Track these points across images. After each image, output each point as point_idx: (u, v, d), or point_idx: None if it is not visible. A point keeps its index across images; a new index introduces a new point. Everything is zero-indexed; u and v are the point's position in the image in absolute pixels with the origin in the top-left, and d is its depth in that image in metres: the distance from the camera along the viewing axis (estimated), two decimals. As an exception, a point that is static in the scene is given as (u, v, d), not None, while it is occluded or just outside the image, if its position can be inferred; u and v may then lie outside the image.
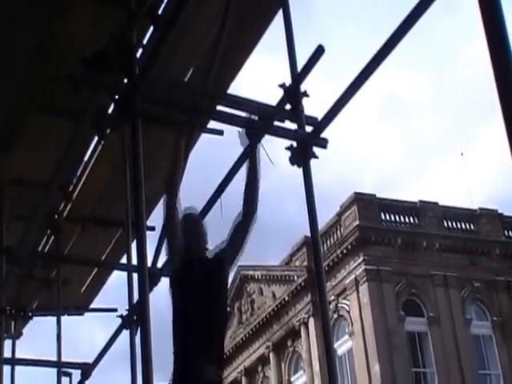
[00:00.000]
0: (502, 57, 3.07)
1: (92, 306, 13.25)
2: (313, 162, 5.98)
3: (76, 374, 11.26)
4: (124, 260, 10.17)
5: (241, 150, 6.28)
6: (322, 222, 32.17)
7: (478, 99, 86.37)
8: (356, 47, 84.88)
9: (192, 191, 7.49)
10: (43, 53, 7.72)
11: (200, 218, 5.89)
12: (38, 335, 16.02)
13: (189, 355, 5.18)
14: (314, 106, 6.32)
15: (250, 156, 5.76)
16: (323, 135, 6.07)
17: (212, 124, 8.13)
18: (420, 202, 36.33)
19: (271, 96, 6.28)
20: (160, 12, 7.43)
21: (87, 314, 13.41)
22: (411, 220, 35.89)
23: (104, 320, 11.84)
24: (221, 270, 5.58)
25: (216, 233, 5.89)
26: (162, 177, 8.53)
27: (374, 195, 35.36)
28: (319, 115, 6.09)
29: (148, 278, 5.51)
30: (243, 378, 42.12)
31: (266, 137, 6.18)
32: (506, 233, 37.44)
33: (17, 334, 12.90)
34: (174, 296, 5.47)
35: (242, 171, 6.33)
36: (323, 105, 5.90)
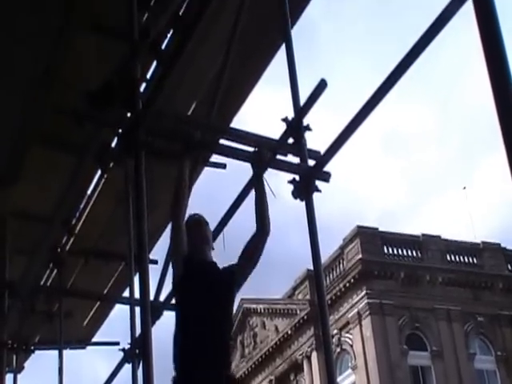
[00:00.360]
0: (502, 83, 3.09)
1: (94, 339, 13.22)
2: (315, 195, 6.00)
3: (78, 408, 11.20)
4: (126, 293, 10.16)
5: (243, 183, 6.30)
6: (325, 255, 32.10)
7: (481, 131, 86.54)
8: (359, 80, 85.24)
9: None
10: (47, 84, 7.76)
11: (205, 219, 5.78)
12: (39, 369, 15.97)
13: (192, 361, 5.06)
14: (317, 139, 6.35)
15: (255, 185, 5.76)
16: (326, 169, 6.08)
17: (214, 157, 8.16)
18: (423, 235, 36.29)
19: (274, 128, 6.31)
20: (163, 46, 7.48)
21: (89, 347, 13.37)
22: (414, 253, 35.83)
23: (106, 353, 11.82)
24: (229, 281, 5.45)
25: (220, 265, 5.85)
26: (164, 210, 8.56)
27: (377, 229, 35.33)
28: (322, 148, 6.11)
29: (150, 311, 5.50)
30: (246, 413, 41.86)
31: (269, 170, 6.21)
32: (509, 267, 37.32)
33: (18, 368, 12.83)
34: (178, 303, 5.43)
35: (245, 205, 6.35)
36: (326, 138, 5.92)
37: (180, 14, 7.29)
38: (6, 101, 8.07)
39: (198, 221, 5.64)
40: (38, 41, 7.39)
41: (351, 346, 34.02)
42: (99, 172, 9.07)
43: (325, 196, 5.99)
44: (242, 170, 6.10)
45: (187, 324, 5.19)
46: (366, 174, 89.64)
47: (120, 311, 11.87)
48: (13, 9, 7.19)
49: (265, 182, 6.00)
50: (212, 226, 6.22)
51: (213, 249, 5.63)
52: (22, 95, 7.91)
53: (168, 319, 8.61)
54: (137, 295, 8.42)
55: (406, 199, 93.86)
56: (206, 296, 5.24)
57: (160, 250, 9.20)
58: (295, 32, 7.30)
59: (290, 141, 6.19)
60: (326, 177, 6.07)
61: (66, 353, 11.61)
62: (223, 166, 8.00)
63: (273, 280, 68.12)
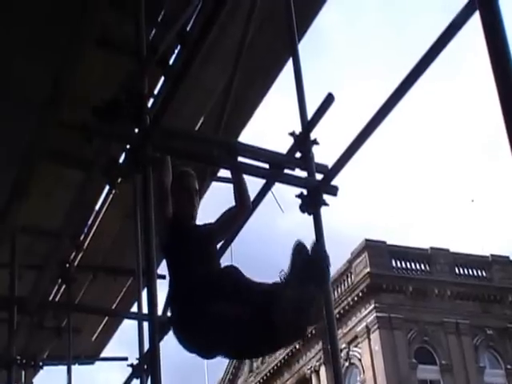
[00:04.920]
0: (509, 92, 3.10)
1: (103, 353, 13.22)
2: (323, 208, 5.99)
3: (87, 424, 11.19)
4: (135, 308, 10.16)
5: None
6: (333, 269, 32.02)
7: (485, 140, 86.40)
8: (369, 92, 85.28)
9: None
10: (55, 99, 7.80)
11: (195, 175, 5.90)
12: (48, 384, 15.94)
13: (186, 296, 5.14)
14: (325, 152, 6.35)
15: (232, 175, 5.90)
16: (334, 182, 6.08)
17: (221, 172, 8.19)
18: (431, 248, 36.24)
19: (282, 141, 6.30)
20: (171, 62, 7.52)
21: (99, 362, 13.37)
22: (422, 267, 35.75)
23: (119, 365, 11.79)
24: (210, 239, 5.61)
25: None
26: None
27: (385, 242, 35.27)
28: (330, 162, 6.11)
29: (158, 326, 5.49)
30: (255, 428, 41.75)
31: (277, 184, 6.23)
32: (519, 280, 37.22)
33: (27, 384, 12.84)
34: (168, 264, 5.53)
35: (252, 219, 6.36)
36: (334, 151, 5.92)
37: (187, 29, 7.32)
38: (14, 116, 8.10)
39: (188, 173, 5.77)
40: (47, 56, 7.43)
41: (360, 360, 33.94)
42: (107, 187, 9.10)
43: (332, 209, 5.99)
44: (251, 184, 6.13)
45: (178, 272, 5.36)
46: (374, 187, 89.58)
47: (129, 325, 11.88)
48: (21, 24, 7.23)
49: (273, 197, 6.04)
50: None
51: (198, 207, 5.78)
52: (30, 110, 7.94)
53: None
54: (145, 310, 8.43)
55: (414, 212, 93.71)
56: (193, 252, 5.38)
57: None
58: (305, 41, 7.35)
59: (298, 155, 6.20)
60: (333, 191, 6.06)
61: (78, 367, 11.63)
62: (231, 181, 8.01)
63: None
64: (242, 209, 5.78)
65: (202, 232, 5.62)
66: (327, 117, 6.03)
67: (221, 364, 45.80)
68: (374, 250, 34.67)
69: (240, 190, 5.77)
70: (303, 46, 6.99)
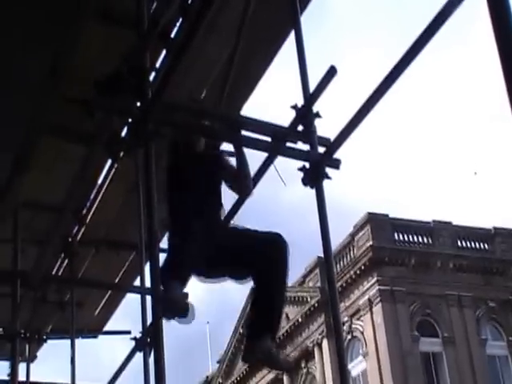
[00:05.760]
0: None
1: (106, 327, 13.27)
2: (326, 181, 5.98)
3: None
4: (137, 282, 10.19)
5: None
6: (335, 242, 32.10)
7: (492, 113, 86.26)
8: (371, 63, 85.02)
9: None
10: (56, 74, 7.76)
11: None
12: (52, 358, 16.02)
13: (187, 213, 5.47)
14: (328, 123, 6.32)
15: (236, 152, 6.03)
16: (336, 155, 6.06)
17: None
18: (434, 221, 36.23)
19: (284, 114, 6.27)
20: (173, 35, 7.47)
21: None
22: (425, 240, 35.77)
23: (119, 341, 11.88)
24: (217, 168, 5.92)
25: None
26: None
27: (388, 215, 35.27)
28: (332, 134, 6.09)
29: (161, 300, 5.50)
30: (257, 401, 41.96)
31: (279, 158, 6.21)
32: (522, 252, 37.24)
33: (31, 358, 12.90)
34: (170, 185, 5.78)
35: (255, 192, 6.34)
36: (337, 123, 5.89)
37: (189, 1, 7.27)
38: (15, 90, 8.08)
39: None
40: (47, 30, 7.39)
41: (362, 333, 34.05)
42: (110, 161, 9.09)
43: (335, 182, 5.97)
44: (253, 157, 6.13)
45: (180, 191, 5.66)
46: (377, 159, 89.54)
47: (132, 299, 11.91)
48: (21, 3, 7.20)
49: (275, 170, 6.04)
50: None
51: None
52: (31, 85, 7.91)
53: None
54: (148, 284, 8.45)
55: (417, 185, 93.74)
56: (198, 180, 5.70)
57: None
58: (307, 11, 7.30)
59: (300, 128, 6.17)
60: (336, 164, 6.04)
61: (82, 340, 11.71)
62: (232, 154, 7.99)
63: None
64: (242, 195, 6.11)
65: (211, 156, 5.95)
66: (330, 89, 6.00)
67: (224, 336, 46.01)
68: (377, 223, 34.68)
69: (240, 174, 5.95)
70: (305, 16, 6.94)
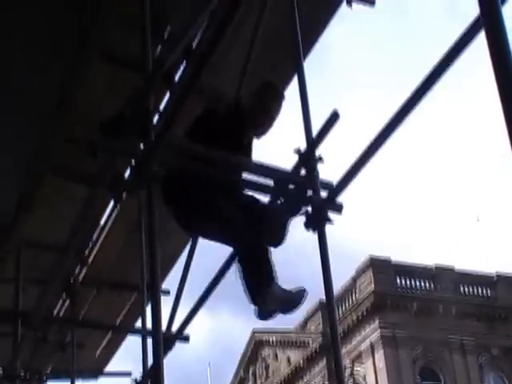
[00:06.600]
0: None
1: (107, 368, 13.19)
2: (328, 226, 5.98)
3: None
4: (139, 324, 10.15)
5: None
6: (337, 286, 31.99)
7: (495, 160, 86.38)
8: (375, 107, 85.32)
9: (206, 252, 7.52)
10: (60, 114, 7.82)
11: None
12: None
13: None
14: (330, 166, 6.33)
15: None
16: (339, 199, 6.07)
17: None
18: (436, 266, 36.12)
19: (287, 157, 6.30)
20: (177, 78, 7.52)
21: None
22: (427, 285, 35.64)
23: (120, 383, 11.80)
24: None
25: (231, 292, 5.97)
26: (176, 239, 8.58)
27: (390, 259, 35.18)
28: (335, 177, 6.10)
29: (162, 342, 5.48)
30: None
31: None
32: (524, 299, 37.07)
33: (30, 399, 12.81)
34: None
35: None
36: (340, 166, 5.91)
37: (193, 46, 7.33)
38: (19, 130, 8.13)
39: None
40: (52, 70, 7.46)
41: (364, 378, 33.83)
42: (112, 202, 9.11)
43: (337, 225, 5.98)
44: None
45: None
46: (379, 203, 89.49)
47: (133, 340, 11.86)
48: (27, 38, 7.27)
49: None
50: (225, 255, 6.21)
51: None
52: (35, 125, 7.96)
53: (180, 350, 8.61)
54: (149, 326, 8.42)
55: (419, 229, 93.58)
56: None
57: (172, 280, 9.21)
58: (310, 55, 7.37)
59: (303, 172, 6.18)
60: (338, 208, 6.05)
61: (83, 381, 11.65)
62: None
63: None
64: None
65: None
66: (333, 133, 6.02)
67: (225, 377, 45.75)
68: (379, 267, 34.60)
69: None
70: (308, 60, 7.01)
